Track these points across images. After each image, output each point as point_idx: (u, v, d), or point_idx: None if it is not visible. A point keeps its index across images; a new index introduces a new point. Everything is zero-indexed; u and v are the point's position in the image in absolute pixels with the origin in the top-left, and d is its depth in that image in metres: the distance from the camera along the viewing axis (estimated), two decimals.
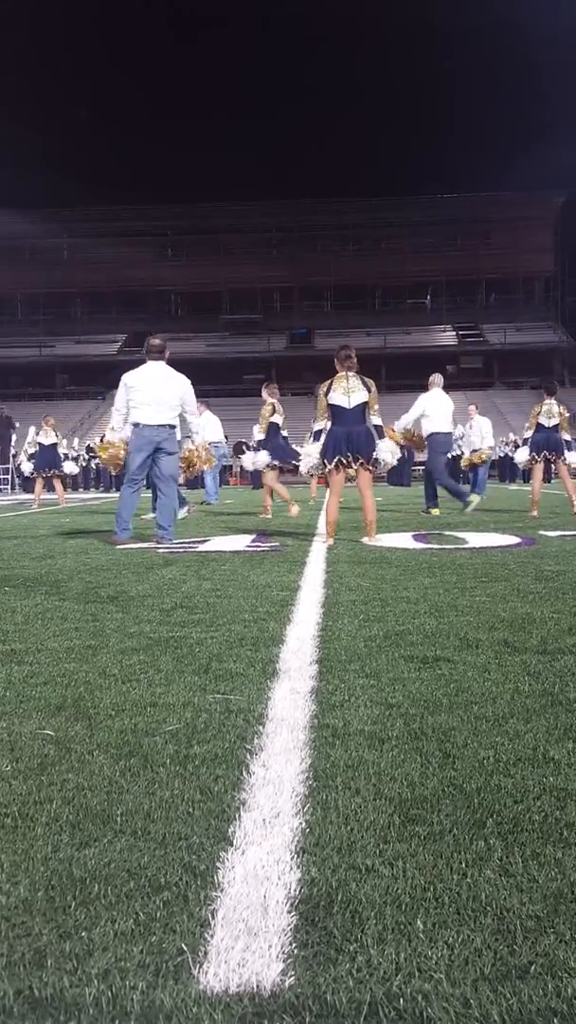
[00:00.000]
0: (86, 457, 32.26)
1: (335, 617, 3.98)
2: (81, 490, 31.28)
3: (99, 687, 2.81)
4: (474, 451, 16.84)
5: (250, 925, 1.36)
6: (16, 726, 2.40)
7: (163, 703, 2.60)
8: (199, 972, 1.24)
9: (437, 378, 12.23)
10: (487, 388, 54.17)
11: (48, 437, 16.59)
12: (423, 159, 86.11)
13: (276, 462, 11.77)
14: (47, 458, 16.57)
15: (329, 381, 7.84)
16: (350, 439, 7.66)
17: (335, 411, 7.74)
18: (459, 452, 18.92)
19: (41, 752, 2.18)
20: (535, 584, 4.89)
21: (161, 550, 7.33)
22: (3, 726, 2.41)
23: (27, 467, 17.38)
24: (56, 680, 2.91)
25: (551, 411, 11.41)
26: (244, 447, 12.48)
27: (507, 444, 30.09)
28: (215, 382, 45.68)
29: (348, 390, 7.68)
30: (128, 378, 8.23)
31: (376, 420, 7.86)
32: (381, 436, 8.10)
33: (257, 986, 1.21)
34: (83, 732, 2.34)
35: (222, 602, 4.48)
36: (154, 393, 8.09)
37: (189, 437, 9.29)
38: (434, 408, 11.95)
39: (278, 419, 11.82)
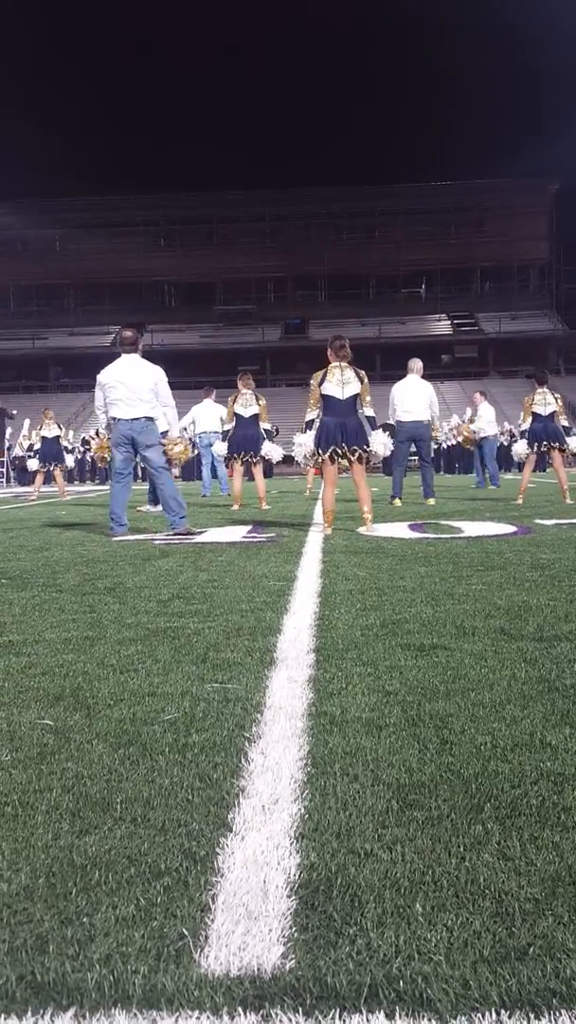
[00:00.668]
0: (81, 449, 32.21)
1: (332, 606, 3.98)
2: (77, 483, 31.25)
3: (97, 677, 2.81)
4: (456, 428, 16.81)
5: (250, 909, 1.37)
6: (15, 716, 2.41)
7: (161, 692, 2.61)
8: (200, 956, 1.25)
9: (413, 363, 12.17)
10: (482, 377, 54.09)
11: (51, 430, 16.59)
12: (417, 147, 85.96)
13: (233, 454, 11.71)
14: (51, 451, 16.55)
15: (323, 371, 7.84)
16: (343, 430, 7.68)
17: (328, 401, 7.74)
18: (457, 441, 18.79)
19: (40, 742, 2.19)
20: (531, 572, 4.90)
21: (157, 541, 7.34)
22: (2, 716, 2.42)
23: (33, 464, 17.30)
24: (54, 671, 2.91)
25: (546, 399, 11.39)
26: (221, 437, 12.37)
27: (503, 434, 30.13)
28: (209, 373, 45.39)
29: (342, 381, 7.69)
30: (101, 376, 8.27)
31: (368, 411, 7.88)
32: (373, 428, 8.13)
33: (258, 969, 1.22)
34: (82, 722, 2.34)
35: (219, 592, 4.48)
36: (127, 387, 8.10)
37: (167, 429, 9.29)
38: (401, 395, 11.96)
39: (241, 410, 11.73)
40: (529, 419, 11.51)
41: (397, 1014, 1.11)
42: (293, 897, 1.40)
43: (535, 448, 11.47)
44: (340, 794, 1.80)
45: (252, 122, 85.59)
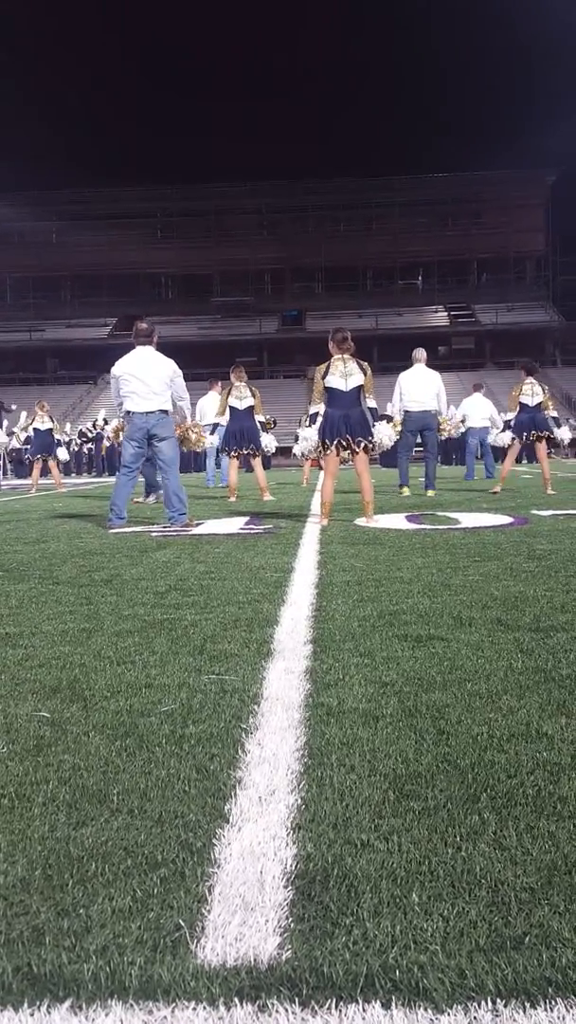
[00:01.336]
0: (78, 442, 32.17)
1: (329, 598, 3.99)
2: (74, 475, 31.21)
3: (94, 669, 2.81)
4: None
5: (247, 900, 1.37)
6: (12, 708, 2.41)
7: (158, 684, 2.61)
8: (196, 947, 1.25)
9: (418, 353, 12.16)
10: (479, 369, 54.05)
11: (44, 422, 16.63)
12: (414, 139, 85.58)
13: (231, 447, 11.66)
14: (43, 443, 16.59)
15: (326, 364, 7.87)
16: (347, 422, 7.70)
17: (331, 394, 7.77)
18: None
19: (37, 734, 2.19)
20: (528, 563, 4.91)
21: (154, 533, 7.33)
22: None
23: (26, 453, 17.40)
24: (51, 663, 2.91)
25: (533, 390, 11.39)
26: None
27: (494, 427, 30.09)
28: (207, 365, 45.36)
29: (345, 373, 7.73)
30: (116, 369, 8.25)
31: (371, 403, 7.93)
32: (376, 418, 8.13)
33: (254, 960, 1.22)
34: (79, 713, 2.34)
35: (216, 584, 4.48)
36: (141, 380, 8.07)
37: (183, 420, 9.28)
38: (407, 385, 11.96)
39: (236, 402, 11.70)
40: (516, 410, 11.51)
41: (393, 1004, 1.11)
42: (290, 888, 1.40)
43: (522, 438, 11.49)
44: (337, 785, 1.80)
45: (249, 114, 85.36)
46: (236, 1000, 1.13)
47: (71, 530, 7.95)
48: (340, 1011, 1.11)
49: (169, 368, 8.18)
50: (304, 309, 61.57)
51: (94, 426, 32.35)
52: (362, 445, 7.76)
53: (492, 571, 4.64)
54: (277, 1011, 1.11)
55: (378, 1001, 1.12)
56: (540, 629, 3.22)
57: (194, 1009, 1.12)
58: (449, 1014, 1.09)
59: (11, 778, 1.89)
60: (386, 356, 49.79)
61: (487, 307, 59.93)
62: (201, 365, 44.15)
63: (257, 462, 11.96)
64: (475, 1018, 1.09)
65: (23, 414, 25.49)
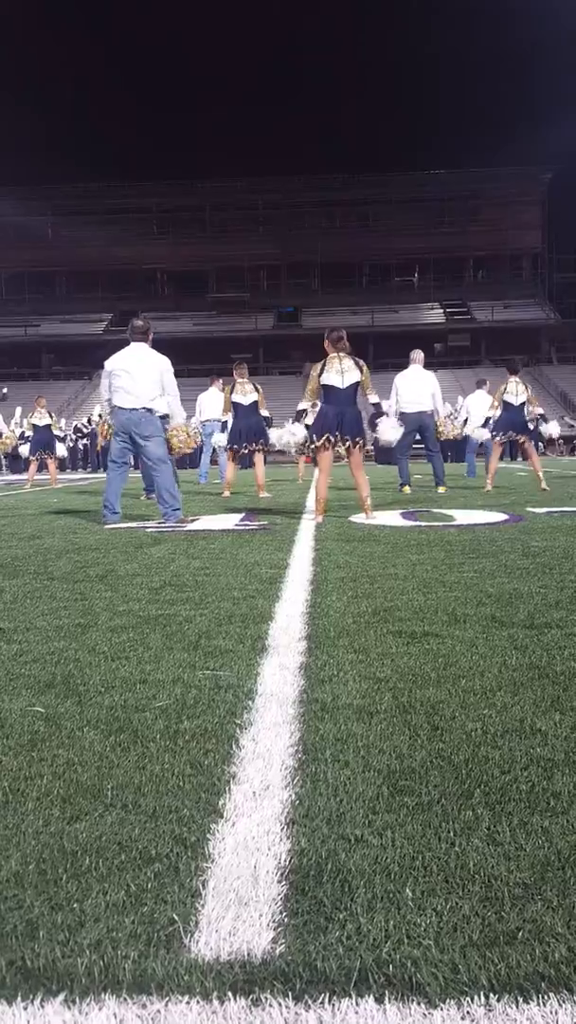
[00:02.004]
0: (73, 437, 32.12)
1: (324, 594, 3.99)
2: (69, 471, 31.16)
3: (88, 664, 2.81)
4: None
5: (241, 895, 1.37)
6: (6, 703, 2.41)
7: (153, 680, 2.61)
8: (190, 941, 1.25)
9: (415, 354, 12.20)
10: (474, 366, 54.05)
11: (42, 419, 16.58)
12: (410, 136, 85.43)
13: (239, 444, 11.66)
14: (42, 439, 16.55)
15: (323, 362, 7.88)
16: (341, 419, 7.71)
17: (327, 391, 7.79)
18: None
19: (31, 728, 2.18)
20: (522, 560, 4.91)
21: (149, 529, 7.33)
22: None
23: (24, 449, 17.34)
24: (45, 658, 2.91)
25: (517, 390, 11.42)
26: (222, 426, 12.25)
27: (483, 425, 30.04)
28: (202, 361, 45.38)
29: (342, 370, 7.75)
30: (109, 363, 8.30)
31: (374, 398, 8.03)
32: (380, 414, 8.14)
33: (248, 954, 1.22)
34: (73, 709, 2.34)
35: (211, 580, 4.48)
36: (131, 376, 8.10)
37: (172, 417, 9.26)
38: (402, 386, 11.99)
39: (240, 399, 11.70)
40: (499, 408, 11.56)
41: (386, 998, 1.12)
42: (283, 882, 1.41)
43: (501, 436, 11.56)
44: (331, 780, 1.80)
45: (246, 110, 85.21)
46: (230, 994, 1.13)
47: (66, 526, 7.95)
48: (333, 1005, 1.11)
49: (161, 365, 8.20)
50: (300, 306, 61.50)
51: (89, 421, 32.32)
52: (358, 444, 7.77)
53: (487, 568, 4.65)
54: (270, 1005, 1.11)
55: (371, 995, 1.12)
56: (534, 626, 3.23)
57: (187, 1003, 1.12)
58: (442, 1008, 1.10)
59: (5, 773, 1.89)
60: (382, 353, 49.82)
61: (483, 304, 59.94)
62: (197, 361, 44.14)
63: (259, 459, 11.94)
64: (468, 1013, 1.09)
65: (18, 410, 25.46)
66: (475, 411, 16.87)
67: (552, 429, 12.40)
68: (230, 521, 7.98)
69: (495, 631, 3.16)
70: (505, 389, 11.46)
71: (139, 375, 8.10)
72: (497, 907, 1.32)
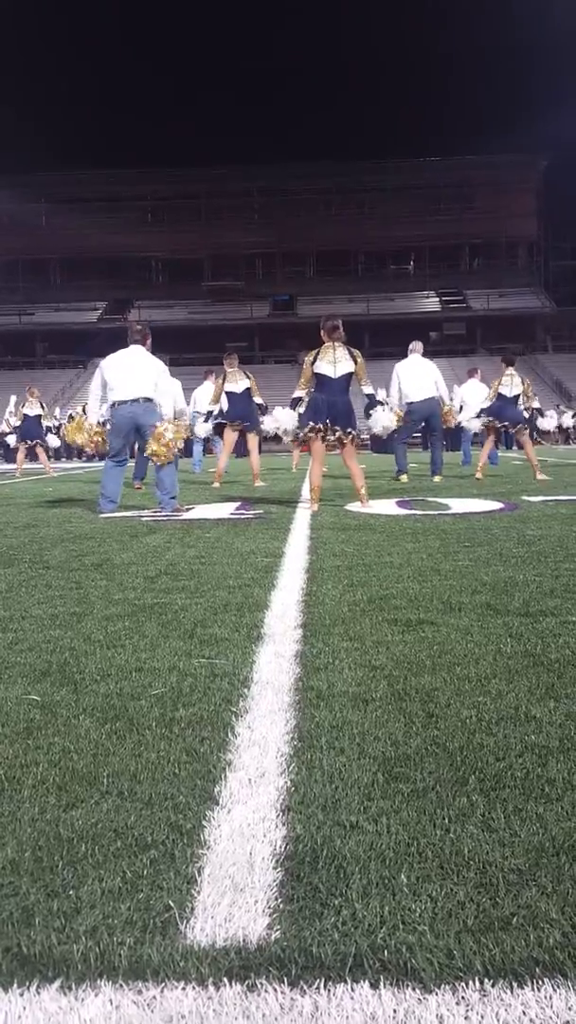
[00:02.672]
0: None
1: (319, 582, 3.99)
2: (64, 460, 31.09)
3: (84, 653, 2.81)
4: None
5: (236, 881, 1.38)
6: (1, 692, 2.41)
7: (148, 668, 2.61)
8: (186, 928, 1.26)
9: (415, 345, 12.20)
10: (470, 355, 53.95)
11: (33, 408, 16.59)
12: (407, 123, 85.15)
13: (231, 421, 11.63)
14: (31, 428, 16.56)
15: (316, 350, 7.89)
16: (332, 408, 7.71)
17: (320, 379, 7.79)
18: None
19: (27, 717, 2.19)
20: (517, 548, 4.92)
21: (145, 518, 7.33)
22: None
23: (12, 438, 17.41)
24: (41, 646, 2.91)
25: (512, 381, 11.43)
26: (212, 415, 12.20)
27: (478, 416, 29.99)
28: (197, 350, 45.26)
29: (335, 360, 7.75)
30: (104, 362, 8.40)
31: (368, 389, 8.03)
32: (374, 404, 8.12)
33: (243, 940, 1.22)
34: (69, 697, 2.34)
35: (206, 569, 4.48)
36: (129, 371, 8.17)
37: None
38: (405, 376, 11.98)
39: (232, 386, 11.65)
40: (493, 399, 11.58)
41: (382, 983, 1.12)
42: (279, 869, 1.41)
43: (485, 417, 11.61)
44: (326, 767, 1.81)
45: (240, 97, 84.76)
46: (225, 980, 1.14)
47: (61, 515, 7.94)
48: (329, 991, 1.11)
49: (156, 368, 8.27)
50: (295, 294, 61.33)
51: (84, 410, 32.18)
52: (350, 435, 7.77)
53: (482, 556, 4.65)
54: (266, 991, 1.11)
55: (366, 981, 1.13)
56: (529, 614, 3.23)
57: (183, 989, 1.12)
58: (437, 994, 1.10)
59: (1, 760, 1.89)
60: (377, 342, 49.78)
61: (479, 292, 59.84)
62: (191, 350, 44.05)
63: (254, 446, 11.91)
64: (463, 998, 1.10)
65: (12, 398, 25.40)
66: (468, 400, 16.89)
67: (547, 424, 12.45)
68: (226, 510, 7.97)
69: (490, 619, 3.16)
70: (500, 381, 11.48)
71: (136, 372, 8.15)
72: (492, 893, 1.32)
